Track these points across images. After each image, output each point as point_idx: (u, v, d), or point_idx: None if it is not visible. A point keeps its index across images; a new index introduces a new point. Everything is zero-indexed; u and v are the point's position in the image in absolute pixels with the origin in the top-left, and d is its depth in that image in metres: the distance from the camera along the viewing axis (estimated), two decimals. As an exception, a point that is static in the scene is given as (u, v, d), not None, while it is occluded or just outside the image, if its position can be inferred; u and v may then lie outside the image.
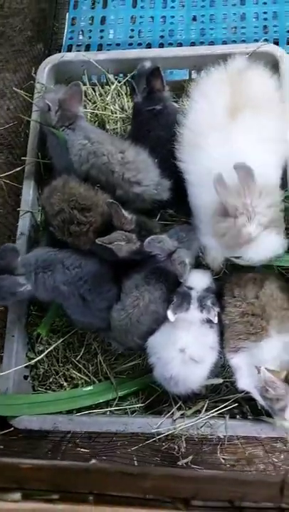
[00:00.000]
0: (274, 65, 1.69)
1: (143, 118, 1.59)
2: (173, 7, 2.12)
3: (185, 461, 1.20)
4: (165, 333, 1.40)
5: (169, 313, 1.31)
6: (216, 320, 1.33)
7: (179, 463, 1.19)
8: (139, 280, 1.41)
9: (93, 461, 1.19)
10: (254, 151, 1.34)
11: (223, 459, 1.23)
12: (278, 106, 1.48)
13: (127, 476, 0.89)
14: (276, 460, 1.27)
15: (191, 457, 1.21)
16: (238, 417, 1.41)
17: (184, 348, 1.35)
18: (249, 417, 1.36)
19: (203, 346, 1.38)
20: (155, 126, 1.58)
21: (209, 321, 1.38)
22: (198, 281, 1.40)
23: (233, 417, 1.41)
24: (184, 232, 1.43)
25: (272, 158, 1.40)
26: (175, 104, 1.69)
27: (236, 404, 1.39)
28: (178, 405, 1.43)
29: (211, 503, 0.80)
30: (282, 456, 1.27)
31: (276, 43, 1.98)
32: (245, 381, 1.33)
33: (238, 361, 1.34)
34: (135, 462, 1.28)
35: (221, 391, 1.49)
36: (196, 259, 1.49)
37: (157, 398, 1.51)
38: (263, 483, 0.92)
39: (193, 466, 1.18)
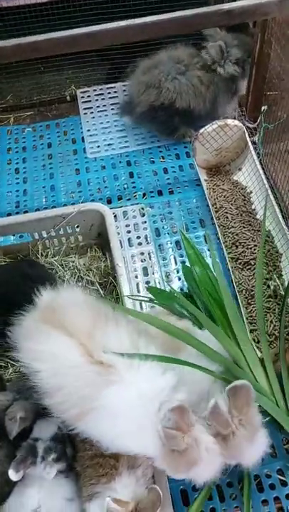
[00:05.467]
0: (102, 220, 1.96)
1: None
2: (20, 182, 2.42)
3: None
4: (17, 495, 1.32)
5: (11, 472, 1.25)
6: (51, 477, 1.28)
7: None
8: (-20, 442, 1.36)
9: None
10: None
11: None
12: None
13: None
14: None
15: None
16: None
17: (37, 507, 1.27)
18: None
19: (60, 500, 1.31)
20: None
21: (63, 471, 1.34)
22: (44, 430, 1.37)
23: None
24: (22, 381, 1.44)
25: None
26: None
27: None
28: None
29: None
30: None
31: (109, 200, 2.31)
32: None
33: (93, 509, 1.27)
34: None
35: None
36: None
37: None
38: None
39: None
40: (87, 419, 1.19)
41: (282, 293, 1.88)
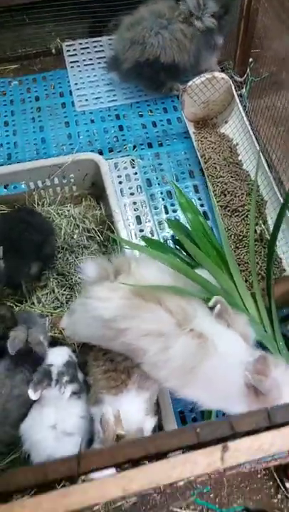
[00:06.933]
0: (96, 170, 2.03)
1: None
2: (10, 135, 2.44)
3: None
4: (34, 415, 1.43)
5: (30, 392, 1.36)
6: (66, 396, 1.40)
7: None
8: (-3, 369, 1.46)
9: None
10: None
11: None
12: None
13: None
14: None
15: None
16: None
17: (55, 423, 1.39)
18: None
19: (74, 417, 1.43)
20: None
21: (76, 393, 1.46)
22: (57, 357, 1.48)
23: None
24: (25, 313, 1.57)
25: None
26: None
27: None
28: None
29: None
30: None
31: (100, 152, 2.36)
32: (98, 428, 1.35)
33: (96, 411, 1.38)
34: None
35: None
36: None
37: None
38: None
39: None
40: (189, 386, 1.31)
41: (268, 237, 2.01)
